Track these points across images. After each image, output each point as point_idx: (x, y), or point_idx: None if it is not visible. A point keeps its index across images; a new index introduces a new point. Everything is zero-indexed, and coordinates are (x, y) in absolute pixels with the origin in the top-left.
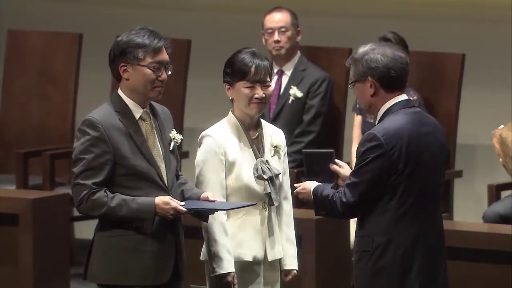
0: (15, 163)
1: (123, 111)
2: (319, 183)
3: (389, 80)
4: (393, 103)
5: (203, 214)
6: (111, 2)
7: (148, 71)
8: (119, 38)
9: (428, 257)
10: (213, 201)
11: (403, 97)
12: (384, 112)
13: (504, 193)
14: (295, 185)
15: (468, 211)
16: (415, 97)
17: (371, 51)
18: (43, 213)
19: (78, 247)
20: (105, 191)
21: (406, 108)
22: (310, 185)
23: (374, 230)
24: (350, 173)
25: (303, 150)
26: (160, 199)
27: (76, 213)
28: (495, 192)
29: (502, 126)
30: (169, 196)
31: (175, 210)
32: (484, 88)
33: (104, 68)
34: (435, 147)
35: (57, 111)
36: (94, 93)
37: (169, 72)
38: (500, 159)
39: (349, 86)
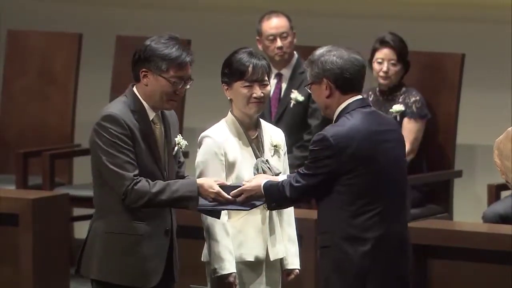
0: (15, 163)
1: (140, 111)
2: (269, 179)
3: (344, 81)
4: (347, 103)
5: (218, 211)
6: (111, 2)
7: (168, 84)
8: (148, 43)
9: (389, 257)
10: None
11: (357, 97)
12: (339, 112)
13: (504, 193)
14: (243, 182)
15: (468, 211)
16: (417, 97)
17: (327, 53)
18: (43, 213)
19: (78, 247)
20: (146, 180)
21: (361, 108)
22: (259, 181)
23: (332, 227)
24: (304, 164)
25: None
26: (202, 179)
27: (76, 213)
28: (495, 192)
29: (500, 138)
30: (212, 180)
31: (216, 194)
32: (484, 88)
33: (104, 68)
34: (391, 144)
35: (57, 111)
36: (94, 93)
37: (188, 86)
38: (503, 176)
39: (306, 88)
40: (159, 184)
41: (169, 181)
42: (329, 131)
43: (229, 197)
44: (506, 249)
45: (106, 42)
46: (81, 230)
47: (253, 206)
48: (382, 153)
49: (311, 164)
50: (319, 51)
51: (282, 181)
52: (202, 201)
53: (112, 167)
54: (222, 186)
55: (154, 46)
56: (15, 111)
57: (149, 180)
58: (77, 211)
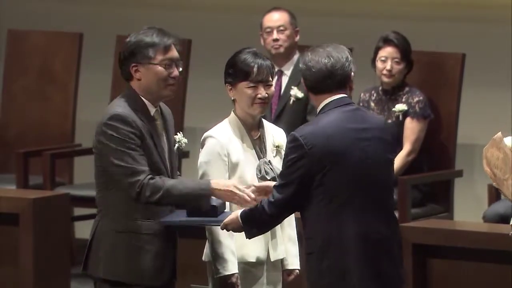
0: (16, 163)
1: (141, 109)
2: (244, 208)
3: (309, 84)
4: (325, 103)
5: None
6: (111, 2)
7: (160, 68)
8: (128, 39)
9: (369, 253)
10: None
11: (335, 96)
12: (318, 112)
13: None
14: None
15: (468, 211)
16: (421, 97)
17: (306, 52)
18: (43, 212)
19: (79, 247)
20: (159, 176)
21: (339, 107)
22: (236, 213)
23: (315, 232)
24: (279, 175)
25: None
26: (218, 179)
27: (76, 212)
28: (495, 192)
29: (487, 146)
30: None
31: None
32: (485, 87)
33: (105, 67)
34: (368, 142)
35: (58, 110)
36: (94, 93)
37: (180, 69)
38: (494, 184)
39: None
40: (172, 180)
41: (181, 178)
42: (299, 130)
43: (253, 195)
44: (506, 249)
45: (106, 42)
46: (82, 230)
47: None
48: (356, 150)
49: (285, 171)
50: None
51: (261, 201)
52: (174, 216)
53: (123, 164)
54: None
55: (135, 40)
56: (15, 110)
57: (162, 176)
58: (78, 211)
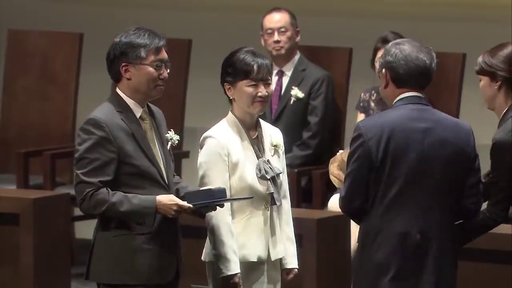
0: (16, 162)
1: (125, 110)
2: None
3: (397, 76)
4: (399, 98)
5: (201, 212)
6: (111, 2)
7: (151, 69)
8: (117, 40)
9: (407, 253)
10: (212, 192)
11: (412, 93)
12: (392, 106)
13: None
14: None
15: None
16: None
17: (395, 44)
18: (44, 212)
19: (79, 247)
20: (107, 189)
21: (411, 104)
22: None
23: (367, 223)
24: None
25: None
26: (162, 196)
27: (77, 212)
28: None
29: (342, 151)
30: (172, 194)
31: (178, 206)
32: None
33: (105, 67)
34: (429, 143)
35: (58, 111)
36: (94, 93)
37: (168, 70)
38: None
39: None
40: (118, 195)
41: (128, 194)
42: (363, 121)
43: (190, 206)
44: (506, 249)
45: (106, 42)
46: (82, 229)
47: (233, 199)
48: (413, 149)
49: (349, 161)
50: (393, 41)
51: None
52: (190, 199)
53: (78, 171)
54: (189, 192)
55: (126, 40)
56: (16, 110)
57: (109, 189)
58: (78, 211)
